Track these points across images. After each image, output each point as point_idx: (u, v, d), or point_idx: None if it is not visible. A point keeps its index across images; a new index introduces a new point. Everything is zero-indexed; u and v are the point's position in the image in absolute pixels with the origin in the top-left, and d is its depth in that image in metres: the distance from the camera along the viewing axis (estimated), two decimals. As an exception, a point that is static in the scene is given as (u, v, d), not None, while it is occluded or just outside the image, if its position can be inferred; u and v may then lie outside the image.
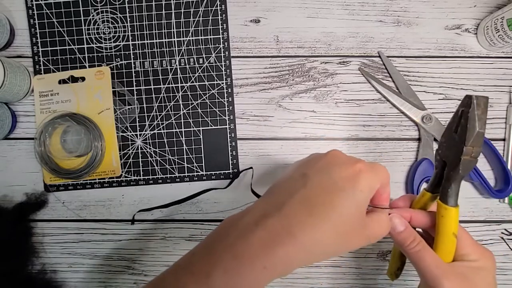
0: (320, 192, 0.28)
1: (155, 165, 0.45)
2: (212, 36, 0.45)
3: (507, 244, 0.44)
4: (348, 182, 0.29)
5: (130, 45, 0.45)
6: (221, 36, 0.45)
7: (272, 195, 0.30)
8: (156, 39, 0.45)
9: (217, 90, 0.45)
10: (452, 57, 0.45)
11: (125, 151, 0.45)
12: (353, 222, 0.28)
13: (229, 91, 0.45)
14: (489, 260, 0.30)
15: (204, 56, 0.45)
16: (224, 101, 0.45)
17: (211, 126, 0.45)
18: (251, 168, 0.44)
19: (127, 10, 0.45)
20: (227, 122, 0.45)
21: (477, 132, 0.27)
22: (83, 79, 0.44)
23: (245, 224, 0.28)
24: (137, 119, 0.45)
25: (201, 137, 0.45)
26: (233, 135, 0.45)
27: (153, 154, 0.45)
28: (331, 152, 0.32)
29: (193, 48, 0.45)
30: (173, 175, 0.45)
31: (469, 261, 0.30)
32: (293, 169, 0.32)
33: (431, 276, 0.29)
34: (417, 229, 0.32)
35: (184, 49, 0.45)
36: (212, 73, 0.45)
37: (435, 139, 0.44)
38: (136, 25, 0.45)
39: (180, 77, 0.45)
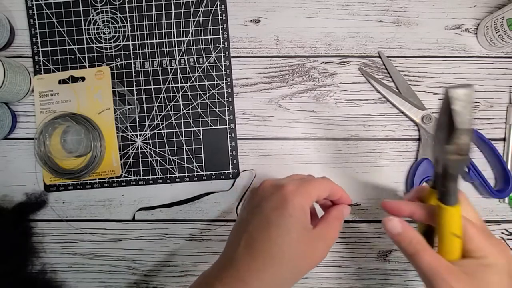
0: (259, 233, 0.30)
1: (155, 165, 0.45)
2: (212, 36, 0.45)
3: (507, 244, 0.44)
4: (278, 213, 0.30)
5: (130, 45, 0.45)
6: (221, 36, 0.45)
7: (227, 247, 0.33)
8: (156, 39, 0.45)
9: (217, 90, 0.45)
10: (452, 57, 0.45)
11: (125, 151, 0.45)
12: (297, 246, 0.30)
13: (229, 91, 0.45)
14: (500, 256, 0.28)
15: (204, 56, 0.45)
16: (224, 101, 0.45)
17: (211, 126, 0.45)
18: (252, 170, 0.45)
19: (127, 10, 0.45)
20: (227, 122, 0.45)
21: (457, 130, 0.24)
22: (83, 79, 0.44)
23: (209, 279, 0.31)
24: (137, 119, 0.45)
25: (201, 137, 0.45)
26: (233, 135, 0.45)
27: (153, 154, 0.45)
28: (261, 185, 0.34)
29: (193, 48, 0.45)
30: (173, 175, 0.45)
31: (477, 258, 0.28)
32: (239, 215, 0.35)
33: (428, 276, 0.28)
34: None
35: (184, 49, 0.45)
36: (212, 73, 0.45)
37: (435, 139, 0.44)
38: (136, 25, 0.45)
39: (180, 77, 0.45)
